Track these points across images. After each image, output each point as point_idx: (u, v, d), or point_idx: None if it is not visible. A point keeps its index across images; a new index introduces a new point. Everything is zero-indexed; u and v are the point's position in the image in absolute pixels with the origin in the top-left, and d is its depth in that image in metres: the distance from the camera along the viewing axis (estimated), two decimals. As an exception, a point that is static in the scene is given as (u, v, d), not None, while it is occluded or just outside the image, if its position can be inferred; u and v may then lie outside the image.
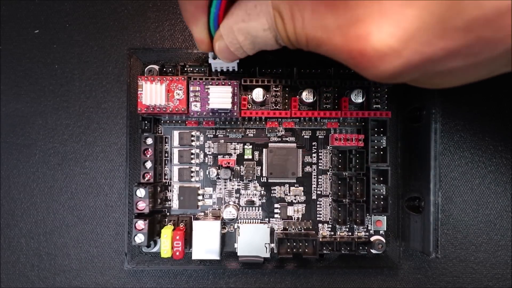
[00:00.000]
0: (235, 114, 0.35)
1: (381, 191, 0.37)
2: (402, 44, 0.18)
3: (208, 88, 0.34)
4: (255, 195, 0.38)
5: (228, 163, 0.37)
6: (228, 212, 0.37)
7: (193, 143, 0.38)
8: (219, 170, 0.38)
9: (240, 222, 0.38)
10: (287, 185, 0.38)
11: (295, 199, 0.38)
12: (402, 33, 0.18)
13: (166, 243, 0.35)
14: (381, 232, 0.38)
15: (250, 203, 0.38)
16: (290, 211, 0.38)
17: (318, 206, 0.38)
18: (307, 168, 0.38)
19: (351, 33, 0.20)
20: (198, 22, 0.25)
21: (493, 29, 0.17)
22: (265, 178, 0.38)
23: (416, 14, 0.18)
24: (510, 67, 0.20)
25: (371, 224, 0.38)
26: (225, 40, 0.25)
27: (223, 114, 0.35)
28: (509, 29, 0.17)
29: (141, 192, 0.34)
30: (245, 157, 0.38)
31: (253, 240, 0.37)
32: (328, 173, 0.38)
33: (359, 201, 0.36)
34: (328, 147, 0.38)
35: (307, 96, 0.36)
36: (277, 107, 0.36)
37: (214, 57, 0.33)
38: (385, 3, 0.18)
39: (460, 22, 0.17)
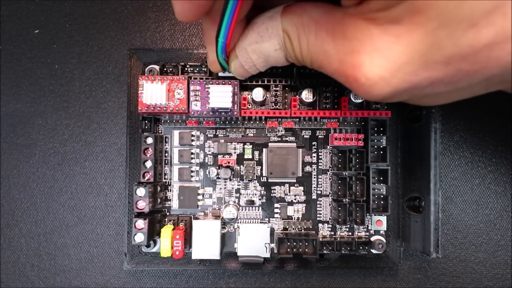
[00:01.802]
0: (235, 113, 0.35)
1: (381, 190, 0.37)
2: (390, 74, 0.21)
3: (209, 88, 0.34)
4: (255, 195, 0.38)
5: (228, 162, 0.37)
6: (228, 212, 0.37)
7: (193, 143, 0.38)
8: (219, 170, 0.38)
9: (240, 222, 0.38)
10: (287, 185, 0.38)
11: (295, 199, 0.38)
12: (391, 65, 0.20)
13: (166, 242, 0.35)
14: (381, 232, 0.38)
15: (250, 203, 0.38)
16: (290, 211, 0.38)
17: (318, 206, 0.38)
18: (307, 168, 0.38)
19: (347, 61, 0.22)
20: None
21: (469, 63, 0.19)
22: (265, 178, 0.38)
23: (402, 50, 0.20)
24: (489, 90, 0.22)
25: (371, 224, 0.38)
26: (239, 59, 0.28)
27: (223, 113, 0.35)
28: (483, 63, 0.19)
29: (141, 191, 0.34)
30: (245, 156, 0.38)
31: (253, 240, 0.36)
32: (328, 173, 0.38)
33: (359, 200, 0.36)
34: (328, 147, 0.38)
35: (306, 95, 0.36)
36: (277, 106, 0.36)
37: (224, 71, 0.34)
38: (376, 39, 0.21)
39: (440, 57, 0.19)
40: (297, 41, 0.25)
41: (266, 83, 0.36)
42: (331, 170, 0.38)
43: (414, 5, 0.19)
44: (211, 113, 0.35)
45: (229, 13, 0.23)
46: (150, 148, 0.36)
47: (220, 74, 0.36)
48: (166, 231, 0.35)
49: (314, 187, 0.38)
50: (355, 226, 0.38)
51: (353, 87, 0.23)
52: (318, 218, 0.38)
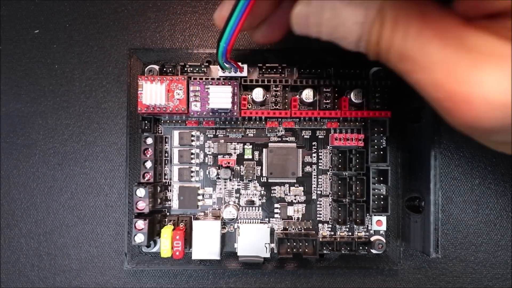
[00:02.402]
0: (235, 114, 0.35)
1: (381, 191, 0.37)
2: None
3: (208, 88, 0.34)
4: (255, 195, 0.38)
5: (228, 163, 0.37)
6: (228, 212, 0.37)
7: (193, 143, 0.38)
8: (219, 170, 0.38)
9: (240, 222, 0.38)
10: (287, 185, 0.38)
11: (295, 199, 0.38)
12: None
13: (166, 242, 0.35)
14: (381, 232, 0.38)
15: (250, 203, 0.38)
16: (290, 211, 0.38)
17: (318, 206, 0.38)
18: (307, 168, 0.38)
19: (459, 73, 0.18)
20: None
21: None
22: (265, 178, 0.38)
23: None
24: None
25: (371, 224, 0.38)
26: (310, 7, 0.22)
27: (223, 114, 0.35)
28: None
29: (141, 192, 0.34)
30: (245, 157, 0.38)
31: (253, 240, 0.36)
32: (328, 173, 0.38)
33: (359, 201, 0.36)
34: (328, 147, 0.38)
35: (307, 95, 0.36)
36: (277, 107, 0.36)
37: (224, 70, 0.35)
38: (508, 59, 0.17)
39: None
40: (391, 28, 0.20)
41: (266, 83, 0.36)
42: (331, 170, 0.38)
43: None
44: (211, 113, 0.35)
45: (235, 19, 0.22)
46: (150, 149, 0.36)
47: (220, 74, 0.36)
48: (166, 232, 0.35)
49: (314, 187, 0.38)
50: (355, 226, 0.38)
51: (451, 107, 0.19)
52: (318, 218, 0.38)
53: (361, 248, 0.37)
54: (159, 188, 0.37)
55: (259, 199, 0.38)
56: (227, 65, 0.30)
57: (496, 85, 0.17)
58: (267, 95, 0.37)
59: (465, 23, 0.19)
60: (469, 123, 0.19)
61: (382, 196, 0.36)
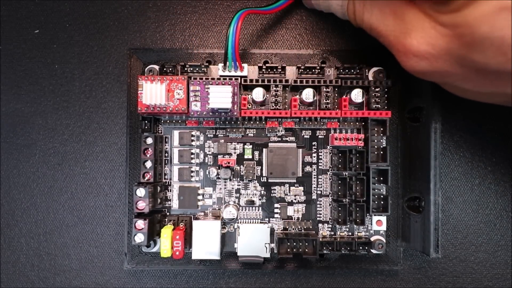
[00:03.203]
0: (235, 113, 0.35)
1: (381, 191, 0.37)
2: (433, 58, 0.27)
3: (208, 88, 0.34)
4: (255, 195, 0.38)
5: (228, 162, 0.37)
6: (228, 212, 0.37)
7: (193, 143, 0.38)
8: (219, 170, 0.38)
9: (240, 222, 0.38)
10: (287, 185, 0.38)
11: (295, 199, 0.38)
12: (434, 53, 0.26)
13: (166, 242, 0.35)
14: (381, 232, 0.38)
15: (250, 203, 0.38)
16: (290, 211, 0.38)
17: (318, 206, 0.38)
18: (307, 168, 0.38)
19: (400, 38, 0.28)
20: None
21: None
22: (265, 178, 0.38)
23: (445, 46, 0.26)
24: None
25: (371, 224, 0.38)
26: None
27: (223, 113, 0.35)
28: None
29: (141, 192, 0.34)
30: (245, 157, 0.38)
31: (253, 240, 0.36)
32: (328, 173, 0.38)
33: (359, 201, 0.36)
34: (328, 147, 0.38)
35: (307, 95, 0.36)
36: (277, 107, 0.36)
37: (224, 67, 0.36)
38: (426, 31, 0.26)
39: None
40: (361, 9, 0.30)
41: (266, 83, 0.36)
42: (331, 170, 0.38)
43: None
44: (211, 113, 0.35)
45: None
46: (150, 148, 0.36)
47: (220, 73, 0.36)
48: (166, 231, 0.35)
49: (314, 187, 0.38)
50: (355, 226, 0.38)
51: (401, 59, 0.29)
52: (318, 218, 0.38)
53: (361, 248, 0.37)
54: (159, 188, 0.37)
55: (259, 199, 0.38)
56: (234, 49, 0.34)
57: (417, 46, 0.27)
58: (267, 95, 0.37)
59: (408, 2, 0.27)
60: (410, 68, 0.29)
61: (382, 196, 0.36)
